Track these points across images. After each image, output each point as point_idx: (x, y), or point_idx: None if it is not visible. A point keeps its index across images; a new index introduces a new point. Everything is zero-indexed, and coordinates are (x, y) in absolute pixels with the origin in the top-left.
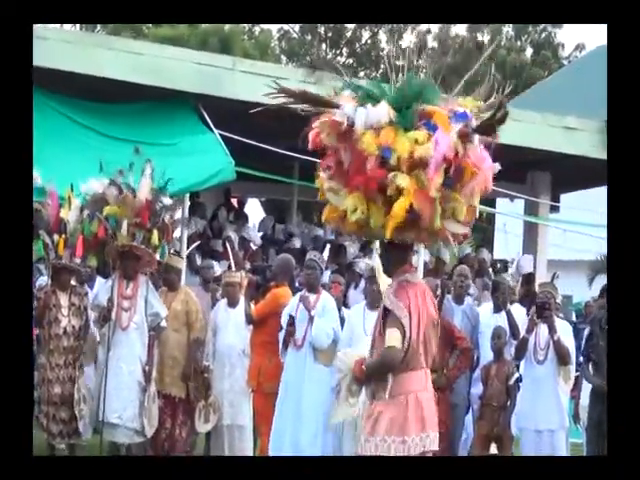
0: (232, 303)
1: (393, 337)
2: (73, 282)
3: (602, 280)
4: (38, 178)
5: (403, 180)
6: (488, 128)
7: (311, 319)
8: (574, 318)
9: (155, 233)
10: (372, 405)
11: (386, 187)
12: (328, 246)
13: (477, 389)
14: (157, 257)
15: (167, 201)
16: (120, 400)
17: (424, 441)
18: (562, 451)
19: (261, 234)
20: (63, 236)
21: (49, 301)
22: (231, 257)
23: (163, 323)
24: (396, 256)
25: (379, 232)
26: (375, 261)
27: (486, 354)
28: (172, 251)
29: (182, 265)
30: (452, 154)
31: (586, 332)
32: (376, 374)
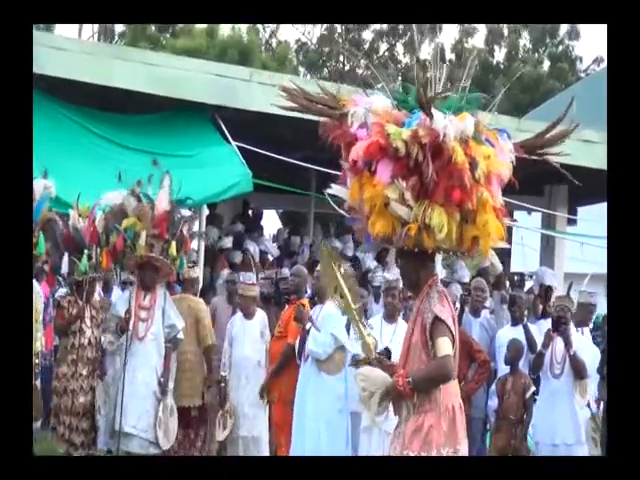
0: (248, 315)
1: (446, 345)
2: (94, 294)
3: None
4: (51, 187)
5: (488, 195)
6: (536, 149)
7: (307, 331)
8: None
9: (173, 244)
10: (418, 419)
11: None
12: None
13: (494, 402)
14: (176, 269)
15: (185, 212)
16: (135, 410)
17: (466, 449)
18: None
19: (275, 245)
20: (105, 249)
21: (81, 313)
22: (253, 269)
23: (180, 335)
24: (425, 266)
25: (448, 246)
26: (393, 274)
27: (503, 367)
28: (190, 263)
29: (200, 275)
30: (509, 172)
31: (601, 347)
32: (430, 384)
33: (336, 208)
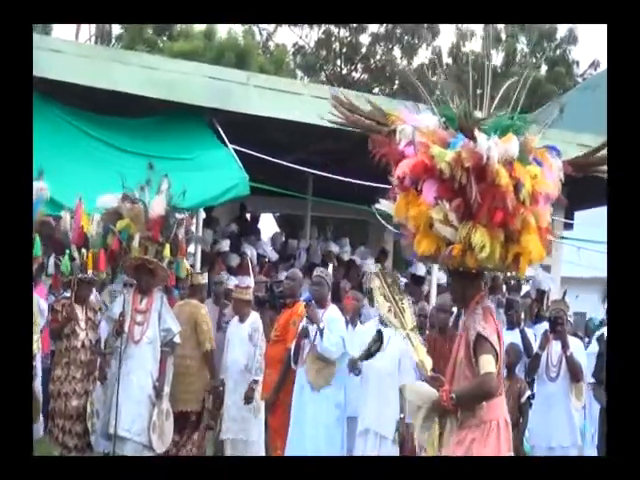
0: (242, 318)
1: (489, 363)
2: (90, 296)
3: None
4: (46, 190)
5: (531, 217)
6: (583, 168)
7: (321, 332)
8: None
9: (167, 247)
10: (461, 433)
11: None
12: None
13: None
14: (172, 272)
15: (180, 215)
16: (129, 413)
17: None
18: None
19: (272, 249)
20: (91, 251)
21: (71, 315)
22: (251, 272)
23: (176, 339)
24: (473, 284)
25: (492, 265)
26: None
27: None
28: (191, 268)
29: (206, 281)
30: (557, 191)
31: (596, 351)
32: (473, 401)
33: (383, 222)
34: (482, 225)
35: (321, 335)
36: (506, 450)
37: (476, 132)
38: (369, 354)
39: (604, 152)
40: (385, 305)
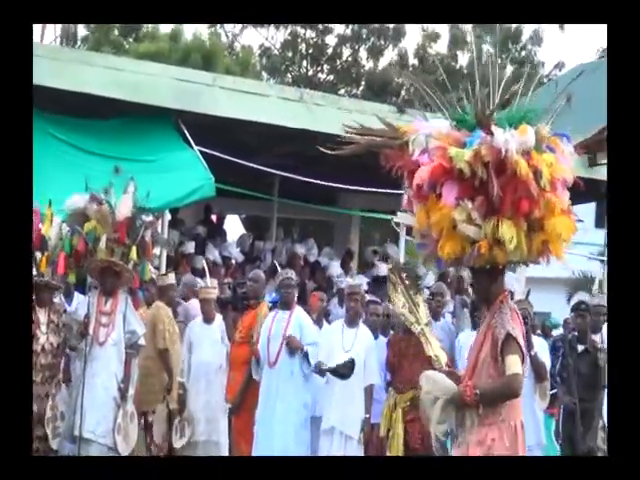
0: (208, 319)
1: (516, 363)
2: (52, 299)
3: (579, 297)
4: None
5: (555, 199)
6: (595, 148)
7: (306, 355)
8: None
9: (134, 249)
10: (481, 430)
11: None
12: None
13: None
14: (137, 274)
15: (147, 218)
16: (94, 415)
17: None
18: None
19: (239, 250)
20: (46, 253)
21: (32, 318)
22: (207, 274)
23: (141, 341)
24: (496, 281)
25: (519, 258)
26: (357, 280)
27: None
28: (153, 268)
29: (172, 282)
30: (572, 176)
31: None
32: (497, 399)
33: (402, 234)
34: (507, 218)
35: (306, 358)
36: (522, 452)
37: (493, 126)
38: (334, 371)
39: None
40: (400, 300)
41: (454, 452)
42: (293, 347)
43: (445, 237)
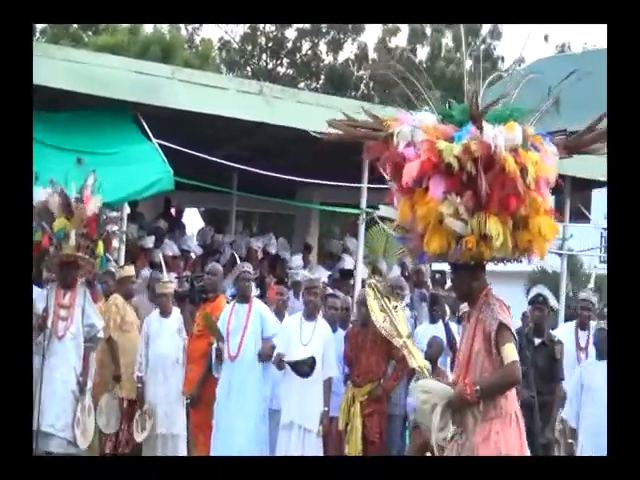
0: (165, 313)
1: (513, 351)
2: None
3: (537, 290)
4: None
5: (541, 199)
6: (578, 148)
7: (245, 330)
8: None
9: (100, 244)
10: (485, 427)
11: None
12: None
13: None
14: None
15: (112, 213)
16: (53, 409)
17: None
18: None
19: (198, 243)
20: None
21: None
22: (164, 268)
23: (100, 334)
24: (478, 277)
25: (503, 254)
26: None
27: None
28: (114, 261)
29: (129, 274)
30: (555, 174)
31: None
32: (498, 390)
33: (386, 228)
34: (493, 214)
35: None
36: (524, 440)
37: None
38: (294, 366)
39: (594, 133)
40: (381, 315)
41: (460, 453)
42: (266, 352)
43: (431, 231)
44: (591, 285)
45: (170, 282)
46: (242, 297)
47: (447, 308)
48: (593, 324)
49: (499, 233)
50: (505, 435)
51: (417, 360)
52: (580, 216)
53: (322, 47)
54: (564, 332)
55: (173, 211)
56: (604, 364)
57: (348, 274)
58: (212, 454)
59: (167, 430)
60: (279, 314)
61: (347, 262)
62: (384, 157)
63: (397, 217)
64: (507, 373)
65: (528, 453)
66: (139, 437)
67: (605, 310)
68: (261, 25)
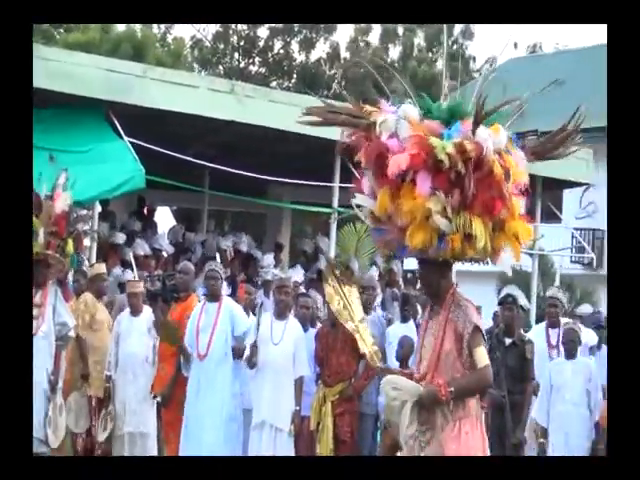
0: (135, 312)
1: (485, 355)
2: None
3: (507, 291)
4: None
5: (519, 204)
6: (545, 153)
7: (214, 329)
8: None
9: (70, 242)
10: (454, 426)
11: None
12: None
13: (384, 399)
14: (68, 266)
15: (82, 211)
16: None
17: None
18: None
19: (169, 242)
20: None
21: None
22: (134, 267)
23: (71, 333)
24: (446, 276)
25: (481, 255)
26: (286, 272)
27: (394, 364)
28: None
29: (100, 271)
30: (526, 179)
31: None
32: (471, 394)
33: (362, 217)
34: (477, 215)
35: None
36: (486, 443)
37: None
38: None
39: (560, 136)
40: (334, 298)
41: (426, 451)
42: (238, 349)
43: (416, 226)
44: (557, 283)
45: (140, 281)
46: (211, 296)
47: (419, 307)
48: (564, 321)
49: (482, 234)
50: (475, 435)
51: (367, 345)
52: (551, 216)
53: (294, 46)
54: (535, 333)
55: (145, 210)
56: (573, 363)
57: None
58: (181, 453)
59: (135, 429)
60: (247, 313)
61: (324, 262)
62: (366, 146)
63: (375, 207)
64: (480, 377)
65: (489, 454)
66: (101, 436)
67: (576, 310)
68: (233, 24)
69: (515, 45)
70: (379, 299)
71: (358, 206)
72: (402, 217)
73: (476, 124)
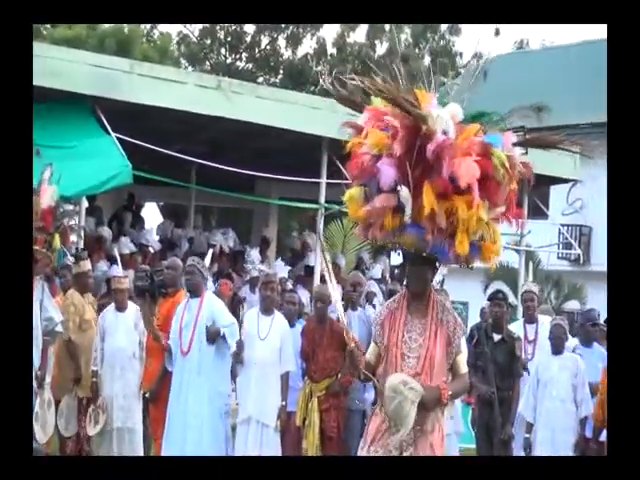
0: (121, 307)
1: (465, 361)
2: None
3: (495, 286)
4: None
5: None
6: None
7: (196, 325)
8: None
9: (57, 237)
10: (441, 426)
11: None
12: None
13: (371, 394)
14: (54, 261)
15: (68, 206)
16: None
17: None
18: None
19: (158, 238)
20: None
21: None
22: (119, 263)
23: (58, 328)
24: (434, 274)
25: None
26: (275, 269)
27: None
28: (75, 255)
29: (85, 269)
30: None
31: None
32: (457, 397)
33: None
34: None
35: (225, 341)
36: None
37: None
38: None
39: (541, 139)
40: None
41: (417, 452)
42: (212, 332)
43: (466, 234)
44: (530, 279)
45: (126, 277)
46: (191, 291)
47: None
48: (543, 318)
49: (501, 244)
50: (453, 436)
51: (340, 315)
52: (538, 212)
53: (281, 42)
54: (514, 329)
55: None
56: (559, 359)
57: (311, 270)
58: (163, 449)
59: (123, 424)
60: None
61: (312, 259)
62: (421, 136)
63: (426, 204)
64: (465, 383)
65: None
66: (92, 431)
67: (563, 306)
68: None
69: (497, 31)
70: (364, 295)
71: (402, 197)
72: (454, 222)
73: (515, 145)
